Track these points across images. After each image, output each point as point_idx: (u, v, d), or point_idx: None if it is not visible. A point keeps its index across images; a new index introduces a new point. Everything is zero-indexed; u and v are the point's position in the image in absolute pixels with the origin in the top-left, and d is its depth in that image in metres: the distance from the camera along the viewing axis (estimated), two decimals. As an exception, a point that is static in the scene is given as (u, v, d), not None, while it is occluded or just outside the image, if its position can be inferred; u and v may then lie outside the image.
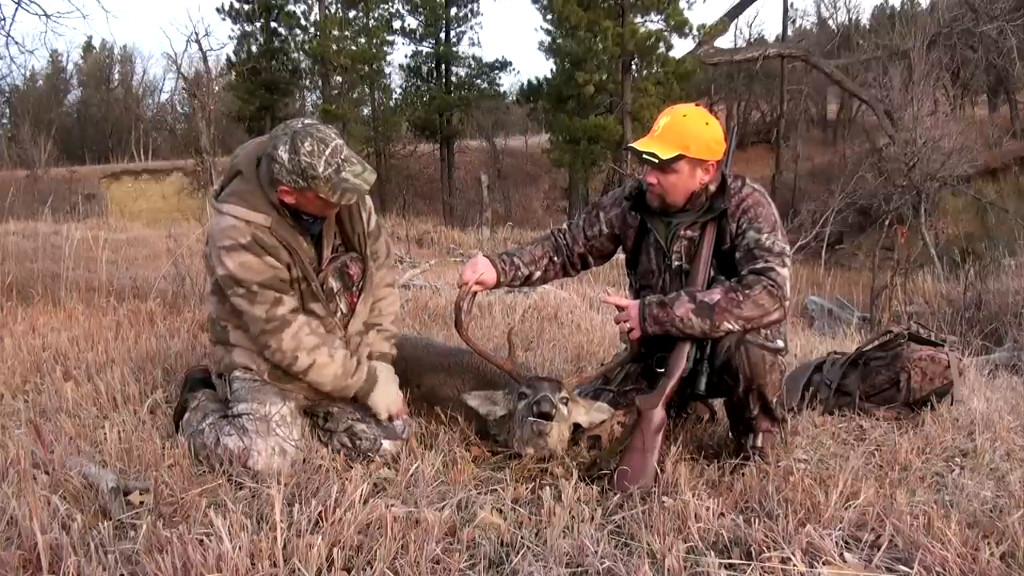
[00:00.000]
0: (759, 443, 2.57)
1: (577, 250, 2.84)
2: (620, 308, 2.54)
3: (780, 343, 2.62)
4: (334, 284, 2.49)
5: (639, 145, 2.51)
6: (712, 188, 2.58)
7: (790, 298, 2.44)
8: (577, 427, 2.64)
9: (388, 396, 2.56)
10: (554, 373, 3.59)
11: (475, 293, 2.72)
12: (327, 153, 2.21)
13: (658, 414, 2.44)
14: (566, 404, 2.54)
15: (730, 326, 2.38)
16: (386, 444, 2.55)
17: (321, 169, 2.20)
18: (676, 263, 2.63)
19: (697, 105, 2.73)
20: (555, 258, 2.84)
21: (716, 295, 2.40)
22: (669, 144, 2.46)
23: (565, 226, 2.90)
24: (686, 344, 2.47)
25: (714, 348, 2.47)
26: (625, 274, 3.02)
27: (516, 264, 2.77)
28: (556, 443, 2.52)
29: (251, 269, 2.29)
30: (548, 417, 2.43)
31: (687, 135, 2.46)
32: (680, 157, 2.46)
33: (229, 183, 2.41)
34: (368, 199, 2.62)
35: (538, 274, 2.83)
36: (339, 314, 2.53)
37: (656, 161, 2.46)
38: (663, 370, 2.51)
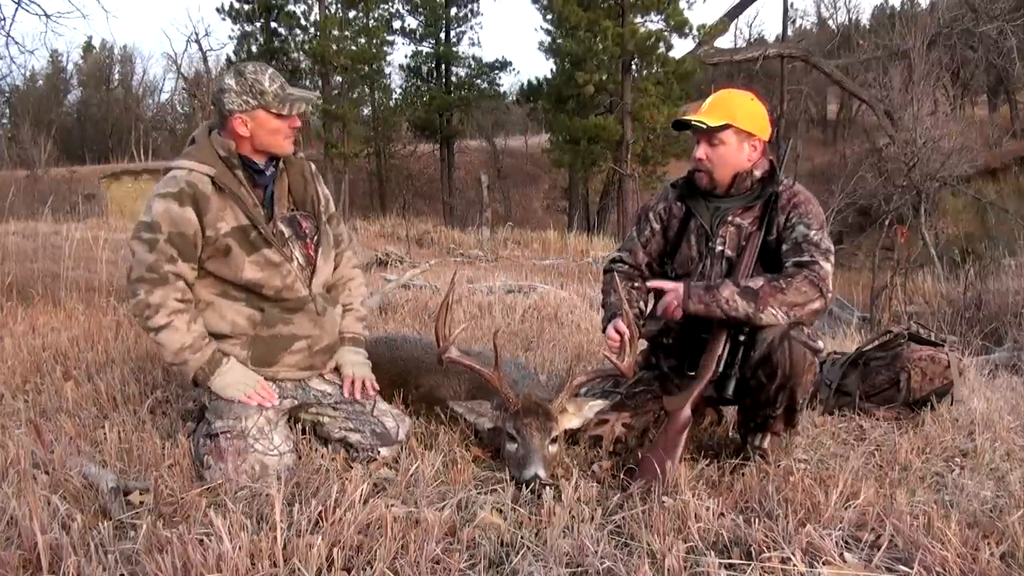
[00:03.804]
0: (764, 444, 2.58)
1: (643, 261, 2.82)
2: (661, 292, 2.49)
3: (820, 344, 2.59)
4: (284, 230, 2.50)
5: (688, 117, 2.58)
6: (758, 174, 2.62)
7: (832, 293, 2.44)
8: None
9: (232, 384, 2.41)
10: (553, 373, 3.59)
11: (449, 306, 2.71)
12: (269, 73, 2.40)
13: (684, 414, 2.45)
14: (555, 442, 2.48)
15: (774, 311, 2.36)
16: (384, 452, 2.54)
17: (267, 85, 2.37)
18: (720, 248, 2.61)
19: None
20: (636, 284, 2.80)
21: (760, 281, 2.40)
22: (716, 115, 2.55)
23: (616, 254, 2.89)
24: (717, 347, 2.46)
25: (755, 340, 2.44)
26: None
27: (638, 309, 2.73)
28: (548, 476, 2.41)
29: (169, 216, 2.33)
30: (539, 496, 2.30)
31: (733, 107, 2.57)
32: (728, 126, 2.53)
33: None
34: (325, 189, 2.67)
35: (642, 304, 2.80)
36: (296, 263, 2.48)
37: (704, 127, 2.52)
38: (692, 373, 2.52)
